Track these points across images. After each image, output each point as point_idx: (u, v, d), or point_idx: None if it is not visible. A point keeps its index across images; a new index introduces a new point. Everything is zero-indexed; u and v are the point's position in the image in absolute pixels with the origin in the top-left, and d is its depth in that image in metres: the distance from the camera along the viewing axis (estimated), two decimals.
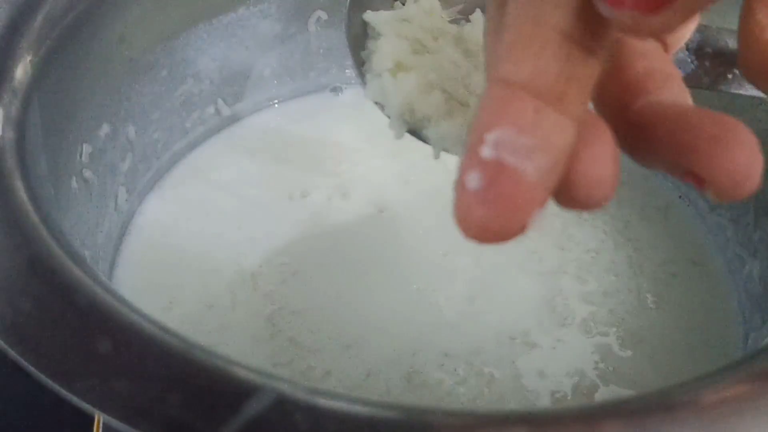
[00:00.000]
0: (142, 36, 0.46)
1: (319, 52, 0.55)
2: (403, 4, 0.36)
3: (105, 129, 0.44)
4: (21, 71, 0.36)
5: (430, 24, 0.34)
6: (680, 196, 0.50)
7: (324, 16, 0.54)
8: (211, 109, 0.53)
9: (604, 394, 0.40)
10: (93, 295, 0.29)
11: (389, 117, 0.32)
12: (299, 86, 0.55)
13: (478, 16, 0.36)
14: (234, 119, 0.54)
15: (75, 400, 0.26)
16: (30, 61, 0.37)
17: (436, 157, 0.31)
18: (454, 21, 0.36)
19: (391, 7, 0.36)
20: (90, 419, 0.42)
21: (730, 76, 0.34)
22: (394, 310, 0.43)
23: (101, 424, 0.42)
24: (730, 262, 0.46)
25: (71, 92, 0.41)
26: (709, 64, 0.34)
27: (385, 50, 0.34)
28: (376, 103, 0.33)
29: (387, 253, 0.46)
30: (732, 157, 0.19)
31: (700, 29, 0.34)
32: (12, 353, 0.27)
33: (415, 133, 0.32)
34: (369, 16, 0.35)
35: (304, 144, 0.53)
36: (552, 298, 0.44)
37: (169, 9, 0.47)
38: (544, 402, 0.39)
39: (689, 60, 0.34)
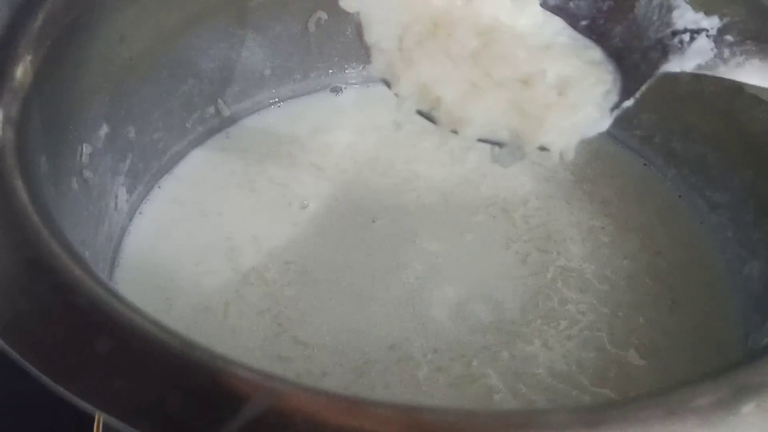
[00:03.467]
0: (143, 36, 0.46)
1: (319, 52, 0.55)
2: None
3: (105, 129, 0.44)
4: (21, 72, 0.36)
5: None
6: (680, 196, 0.50)
7: (324, 16, 0.54)
8: (211, 109, 0.53)
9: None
10: (93, 294, 0.29)
11: (397, 95, 0.32)
12: (299, 86, 0.55)
13: None
14: (234, 119, 0.54)
15: (75, 399, 0.26)
16: (30, 61, 0.37)
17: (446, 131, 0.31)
18: None
19: None
20: (90, 419, 0.42)
21: (748, 66, 0.34)
22: (387, 309, 0.43)
23: (101, 424, 0.42)
24: (730, 262, 0.46)
25: (71, 92, 0.41)
26: (729, 53, 0.34)
27: (389, 21, 0.33)
28: (383, 79, 0.33)
29: (382, 255, 0.46)
30: None
31: (723, 15, 0.34)
32: (12, 353, 0.27)
33: (425, 113, 0.32)
34: None
35: (304, 144, 0.53)
36: (545, 297, 0.44)
37: (170, 9, 0.47)
38: (539, 403, 0.39)
39: (710, 48, 0.34)
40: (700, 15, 0.35)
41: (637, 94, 0.35)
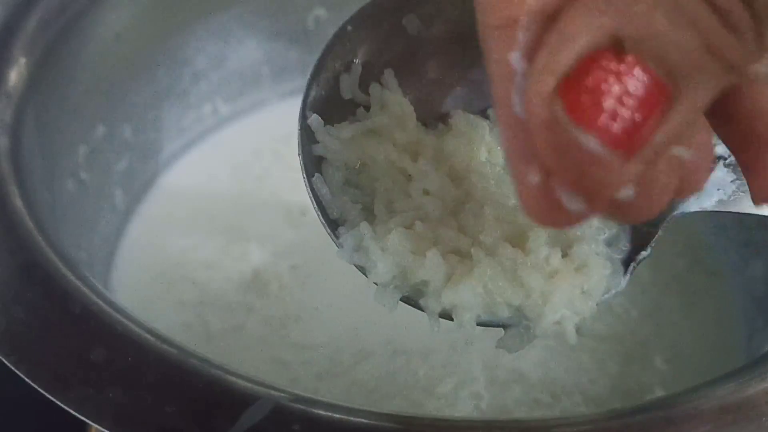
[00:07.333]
0: (139, 34, 0.45)
1: (317, 49, 0.55)
2: (367, 110, 0.30)
3: (101, 129, 0.44)
4: (15, 75, 0.36)
5: (405, 137, 0.29)
6: None
7: (323, 13, 0.53)
8: (208, 108, 0.52)
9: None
10: (88, 302, 0.29)
11: (376, 284, 0.27)
12: (298, 84, 0.55)
13: (460, 119, 0.30)
14: (232, 118, 0.53)
15: (69, 410, 0.26)
16: (24, 63, 0.37)
17: (435, 326, 0.27)
18: (431, 126, 0.31)
19: (353, 117, 0.30)
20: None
21: None
22: (381, 311, 0.43)
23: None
24: (734, 263, 0.45)
25: (67, 93, 0.40)
26: None
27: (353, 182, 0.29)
28: (357, 266, 0.28)
29: None
30: None
31: None
32: (6, 362, 0.27)
33: (410, 301, 0.28)
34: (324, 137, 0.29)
35: None
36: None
37: (166, 7, 0.47)
38: (535, 404, 0.39)
39: (730, 179, 0.29)
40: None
41: (653, 243, 0.29)
